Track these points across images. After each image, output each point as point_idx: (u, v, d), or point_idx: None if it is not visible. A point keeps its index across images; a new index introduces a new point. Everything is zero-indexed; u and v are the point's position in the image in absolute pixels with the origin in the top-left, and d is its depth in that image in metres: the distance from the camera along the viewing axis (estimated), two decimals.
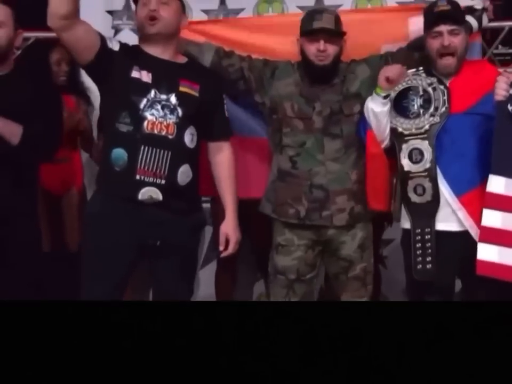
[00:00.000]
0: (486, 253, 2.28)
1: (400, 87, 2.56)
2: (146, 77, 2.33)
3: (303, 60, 2.62)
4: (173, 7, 2.40)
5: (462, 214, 2.44)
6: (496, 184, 2.29)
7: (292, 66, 2.66)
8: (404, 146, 2.52)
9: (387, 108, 2.51)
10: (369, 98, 2.53)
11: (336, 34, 2.55)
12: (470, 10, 2.68)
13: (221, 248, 2.47)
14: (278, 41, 2.81)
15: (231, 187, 2.49)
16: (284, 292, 2.62)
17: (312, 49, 2.55)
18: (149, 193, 2.29)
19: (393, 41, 2.75)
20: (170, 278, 2.40)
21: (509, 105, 2.29)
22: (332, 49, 2.54)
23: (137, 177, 2.29)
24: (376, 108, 2.49)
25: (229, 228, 2.46)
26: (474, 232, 2.41)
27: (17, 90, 2.51)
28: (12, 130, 2.45)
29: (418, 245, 2.45)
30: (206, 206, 3.33)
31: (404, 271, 3.07)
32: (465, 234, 2.46)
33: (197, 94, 2.40)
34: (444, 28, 2.46)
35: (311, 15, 2.60)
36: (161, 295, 2.49)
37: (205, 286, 3.39)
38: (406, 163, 2.50)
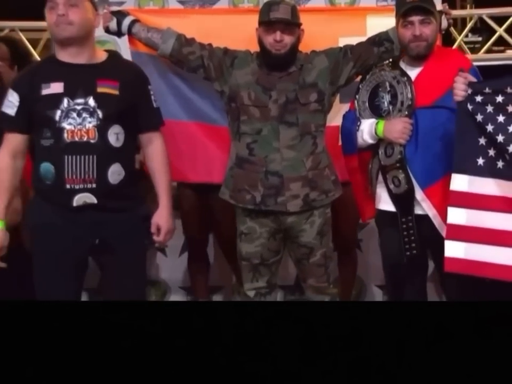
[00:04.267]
0: (453, 250, 2.34)
1: (370, 85, 2.64)
2: (57, 87, 2.35)
3: (261, 48, 2.66)
4: (82, 9, 2.36)
5: (426, 204, 2.53)
6: (460, 182, 2.35)
7: (250, 56, 2.71)
8: (381, 143, 2.60)
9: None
10: (366, 129, 2.59)
11: (292, 24, 2.60)
12: None
13: (154, 237, 2.49)
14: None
15: (163, 178, 2.51)
16: (250, 275, 2.71)
17: (269, 39, 2.59)
18: (82, 199, 2.35)
19: (351, 34, 2.81)
20: (117, 272, 2.45)
21: (468, 105, 2.33)
22: (288, 39, 2.59)
23: (68, 186, 2.34)
24: (370, 140, 2.60)
25: (161, 218, 2.48)
26: (437, 221, 2.51)
27: None
28: None
29: (405, 232, 2.54)
30: None
31: (378, 254, 3.15)
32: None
33: (117, 92, 2.40)
34: (415, 18, 2.50)
35: (268, 5, 2.64)
36: (110, 288, 2.54)
37: (182, 272, 3.49)
38: (382, 158, 2.59)
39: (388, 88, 2.59)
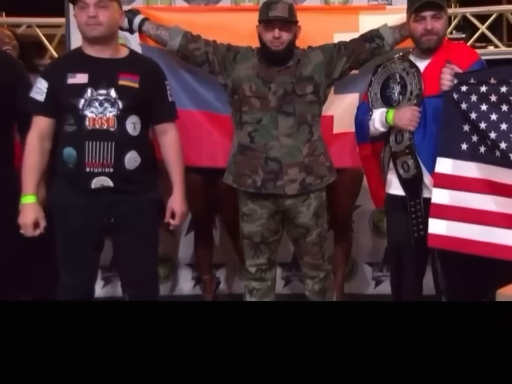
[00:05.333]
0: (436, 227, 2.54)
1: (381, 78, 2.80)
2: (82, 78, 2.56)
3: (261, 45, 2.85)
4: (111, 10, 2.57)
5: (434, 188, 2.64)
6: (444, 165, 2.53)
7: (251, 51, 2.91)
8: (392, 131, 2.76)
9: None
10: (377, 118, 2.75)
11: (289, 22, 2.78)
12: None
13: (166, 220, 2.71)
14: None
15: (177, 166, 2.72)
16: (252, 252, 2.94)
17: (268, 36, 2.78)
18: (100, 182, 2.57)
19: (344, 30, 3.02)
20: (131, 250, 2.66)
21: (454, 94, 2.51)
22: (286, 35, 2.77)
23: (87, 169, 2.56)
24: (382, 128, 2.76)
25: (175, 203, 2.70)
26: None
27: None
28: None
29: (413, 215, 2.67)
30: None
31: (368, 234, 3.71)
32: None
33: (136, 85, 2.60)
34: (427, 13, 2.64)
35: (267, 5, 2.81)
36: (122, 264, 2.80)
37: (189, 250, 3.78)
38: (393, 144, 2.75)
39: (398, 80, 2.73)
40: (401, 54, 2.82)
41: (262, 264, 2.95)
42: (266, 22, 2.78)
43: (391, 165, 2.77)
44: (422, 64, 2.72)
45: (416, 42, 2.73)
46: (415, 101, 2.67)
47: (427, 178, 2.67)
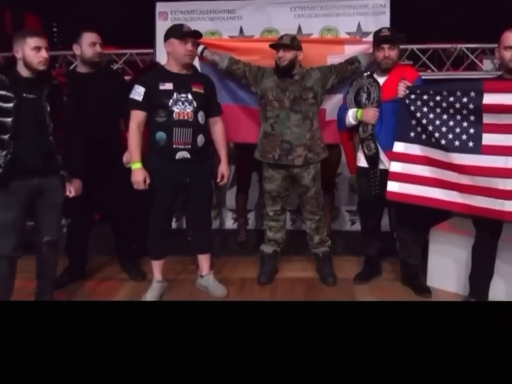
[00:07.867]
0: (392, 186, 3.81)
1: (355, 88, 4.12)
2: (169, 86, 3.82)
3: (275, 63, 4.19)
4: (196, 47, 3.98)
5: (386, 162, 3.92)
6: (399, 146, 3.81)
7: (273, 70, 4.24)
8: (360, 124, 4.04)
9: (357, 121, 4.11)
10: (350, 115, 4.08)
11: (288, 46, 4.12)
12: None
13: (218, 180, 4.05)
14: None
15: (223, 145, 4.07)
16: (271, 202, 4.36)
17: (277, 55, 4.15)
18: (182, 155, 3.81)
19: (334, 53, 4.43)
20: (197, 199, 4.02)
21: (406, 100, 3.74)
22: (288, 54, 4.10)
23: (174, 146, 3.79)
24: (353, 122, 4.07)
25: (223, 168, 4.04)
26: None
27: (108, 81, 4.19)
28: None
29: (372, 180, 4.04)
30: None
31: (346, 192, 5.70)
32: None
33: (202, 91, 3.90)
34: (385, 46, 3.94)
35: (280, 37, 4.21)
36: (189, 208, 4.13)
37: (230, 201, 5.76)
38: (361, 133, 4.06)
39: (365, 90, 4.06)
40: (368, 72, 4.11)
41: (277, 210, 4.36)
42: (275, 46, 4.15)
43: (360, 146, 4.07)
44: (381, 80, 4.01)
45: (377, 64, 4.02)
46: (375, 104, 3.97)
47: (382, 156, 3.95)
